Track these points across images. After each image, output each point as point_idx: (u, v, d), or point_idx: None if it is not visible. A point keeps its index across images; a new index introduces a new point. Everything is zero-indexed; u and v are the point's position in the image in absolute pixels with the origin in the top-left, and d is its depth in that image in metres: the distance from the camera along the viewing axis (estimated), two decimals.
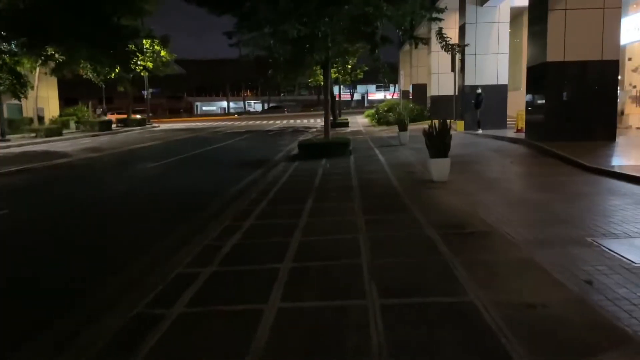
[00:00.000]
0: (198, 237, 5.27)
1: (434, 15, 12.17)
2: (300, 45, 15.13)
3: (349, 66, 30.81)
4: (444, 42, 12.42)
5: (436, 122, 8.32)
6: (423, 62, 31.65)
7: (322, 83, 33.43)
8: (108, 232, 6.39)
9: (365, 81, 59.53)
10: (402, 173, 9.25)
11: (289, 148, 16.95)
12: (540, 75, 11.56)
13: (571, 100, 11.17)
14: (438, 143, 8.04)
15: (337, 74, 31.73)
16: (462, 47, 12.54)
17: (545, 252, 4.11)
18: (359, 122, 32.78)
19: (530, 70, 12.25)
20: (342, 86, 37.01)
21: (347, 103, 70.30)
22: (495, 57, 17.92)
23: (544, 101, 11.46)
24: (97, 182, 10.93)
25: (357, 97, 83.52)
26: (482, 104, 16.95)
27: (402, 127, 14.36)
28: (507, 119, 18.06)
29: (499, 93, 17.93)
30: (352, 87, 71.69)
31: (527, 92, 12.49)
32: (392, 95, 71.57)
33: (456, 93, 19.67)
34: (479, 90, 17.03)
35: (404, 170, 9.64)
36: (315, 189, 7.96)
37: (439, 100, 25.28)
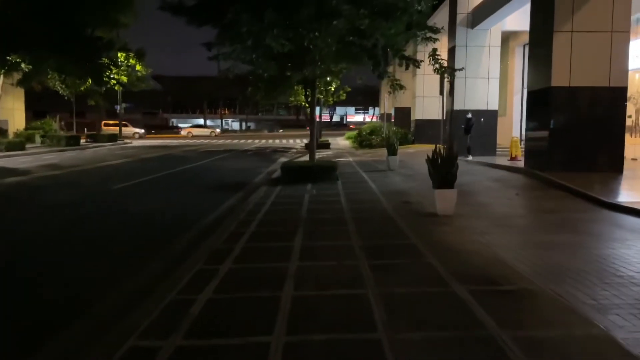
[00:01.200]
0: (160, 288, 4.14)
1: (429, 35, 11.42)
2: (285, 61, 14.24)
3: (332, 87, 30.05)
4: (437, 65, 11.65)
5: (440, 147, 7.42)
6: (407, 85, 31.14)
7: (302, 103, 32.65)
8: (27, 287, 5.18)
9: (345, 103, 59.20)
10: (398, 203, 8.27)
11: (270, 170, 15.89)
12: (543, 101, 10.87)
13: (577, 128, 10.48)
14: (444, 172, 7.13)
15: (319, 95, 30.94)
16: (456, 70, 11.80)
17: (621, 324, 3.14)
18: (340, 143, 31.97)
19: (531, 94, 11.56)
20: (322, 107, 36.29)
21: (326, 124, 69.76)
22: (486, 81, 17.36)
23: (546, 128, 10.74)
24: (43, 208, 9.47)
25: (336, 118, 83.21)
26: (473, 130, 16.28)
27: (392, 151, 13.49)
28: (497, 146, 17.43)
29: (489, 119, 17.33)
30: (332, 108, 71.37)
31: (528, 118, 11.78)
32: (372, 118, 71.55)
33: (444, 117, 18.99)
34: (469, 115, 16.37)
35: (399, 199, 8.68)
36: (304, 222, 6.90)
37: (423, 124, 24.68)
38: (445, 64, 11.82)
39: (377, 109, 75.31)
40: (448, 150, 7.14)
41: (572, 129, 10.50)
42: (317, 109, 32.56)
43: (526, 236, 5.99)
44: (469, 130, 16.21)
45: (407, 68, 11.74)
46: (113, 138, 34.44)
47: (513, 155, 14.45)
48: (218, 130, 63.82)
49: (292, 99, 32.41)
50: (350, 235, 5.96)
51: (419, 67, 11.57)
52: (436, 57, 11.58)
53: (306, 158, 19.87)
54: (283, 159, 20.54)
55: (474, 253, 5.06)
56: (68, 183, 12.95)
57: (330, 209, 7.88)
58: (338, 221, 6.90)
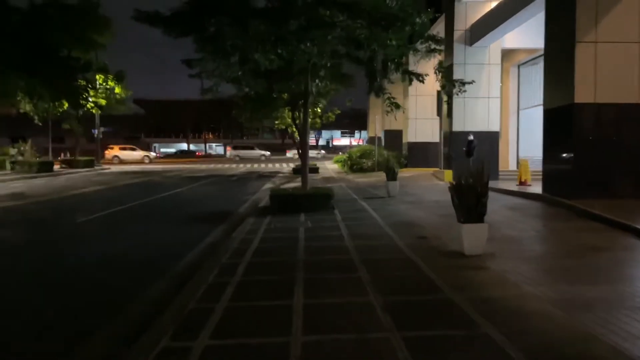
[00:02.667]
0: None
1: (433, 47, 10.33)
2: (274, 77, 13.02)
3: (319, 109, 28.95)
4: (444, 79, 10.55)
5: (447, 173, 6.16)
6: None
7: (289, 127, 31.47)
8: None
9: (330, 127, 58.33)
10: (412, 239, 6.95)
11: (256, 197, 14.50)
12: (564, 119, 9.76)
13: (603, 150, 9.35)
14: (472, 203, 5.85)
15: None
16: (465, 84, 10.70)
17: None
18: (328, 168, 30.71)
19: (550, 113, 10.45)
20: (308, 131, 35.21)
21: (312, 148, 68.69)
22: (486, 101, 16.37)
23: (568, 150, 9.59)
24: None
25: (321, 142, 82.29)
26: (475, 152, 15.17)
27: (391, 176, 12.23)
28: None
29: (490, 140, 16.27)
30: (318, 132, 70.48)
31: (546, 139, 10.65)
32: (358, 142, 70.83)
33: (442, 139, 17.91)
34: (471, 137, 15.30)
35: (412, 234, 7.36)
36: (303, 266, 5.53)
37: (416, 147, 23.63)
38: (452, 78, 10.69)
39: (363, 132, 74.73)
40: (478, 175, 5.88)
41: (598, 151, 9.38)
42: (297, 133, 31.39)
43: (594, 288, 4.68)
44: (471, 153, 15.11)
45: (410, 83, 10.60)
46: (90, 164, 32.72)
47: (522, 180, 13.32)
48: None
49: (278, 122, 31.30)
50: (365, 287, 4.61)
51: (423, 82, 10.48)
52: (442, 69, 10.48)
53: (294, 184, 18.57)
54: (270, 185, 19.19)
55: (543, 318, 3.75)
56: (25, 216, 11.39)
57: (332, 248, 6.53)
58: (345, 265, 5.55)
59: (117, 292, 5.25)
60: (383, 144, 34.18)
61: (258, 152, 52.38)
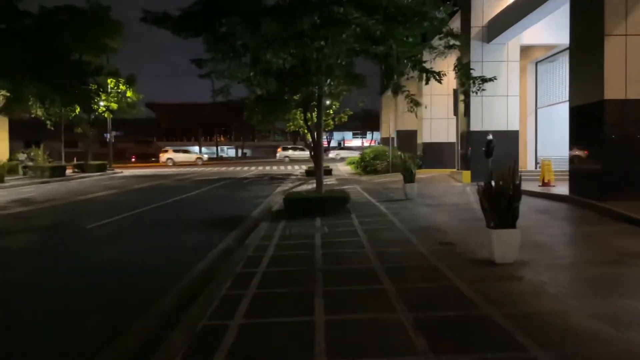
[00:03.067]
0: None
1: (451, 42, 9.91)
2: (287, 77, 12.70)
3: (331, 111, 28.58)
4: (465, 76, 10.12)
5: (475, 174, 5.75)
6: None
7: (301, 128, 31.13)
8: None
9: (342, 128, 57.94)
10: (436, 245, 6.55)
11: (269, 201, 14.17)
12: (593, 117, 9.27)
13: (638, 148, 8.84)
14: (504, 207, 5.43)
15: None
16: (487, 80, 10.24)
17: None
18: (341, 169, 30.32)
19: (577, 110, 9.97)
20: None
21: (331, 149, 68.22)
22: (505, 99, 15.87)
23: (599, 149, 9.11)
24: None
25: (333, 144, 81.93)
26: (494, 152, 14.68)
27: (409, 178, 11.81)
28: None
29: (509, 140, 15.76)
30: (330, 134, 70.11)
31: (573, 137, 10.16)
32: (370, 143, 70.34)
33: (459, 140, 17.43)
34: (490, 137, 14.81)
35: (435, 239, 6.95)
36: (322, 276, 5.16)
37: (431, 147, 23.14)
38: (476, 75, 10.23)
39: (375, 133, 74.19)
40: (509, 176, 5.46)
41: (631, 149, 8.88)
42: (309, 135, 30.98)
43: None
44: (491, 153, 14.62)
45: (427, 82, 10.18)
46: (102, 168, 32.70)
47: (546, 181, 12.81)
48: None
49: (290, 124, 30.98)
50: (392, 301, 4.23)
51: (440, 82, 10.06)
52: (462, 65, 10.06)
53: (307, 186, 18.22)
54: (283, 188, 18.86)
55: (596, 338, 3.33)
56: (34, 222, 11.16)
57: (352, 255, 6.15)
58: (367, 274, 5.16)
59: (122, 305, 4.93)
60: (395, 144, 33.72)
61: (307, 152, 52.60)
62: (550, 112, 21.11)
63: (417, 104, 10.46)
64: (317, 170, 10.78)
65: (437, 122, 22.87)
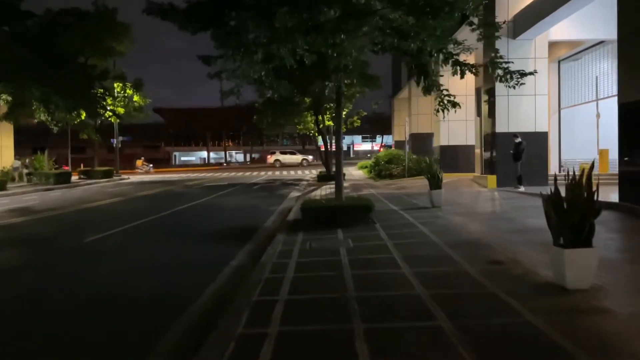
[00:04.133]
0: None
1: (491, 32, 9.00)
2: (300, 77, 11.81)
3: (343, 113, 27.67)
4: (501, 69, 9.17)
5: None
6: (425, 109, 28.88)
7: (312, 132, 30.27)
8: None
9: (351, 132, 57.08)
10: (485, 264, 5.59)
11: (283, 208, 13.29)
12: None
13: None
14: (577, 221, 4.47)
15: (328, 122, 28.62)
16: (526, 74, 9.28)
17: None
18: (353, 174, 29.38)
19: (628, 107, 8.96)
20: (330, 135, 33.70)
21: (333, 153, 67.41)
22: (532, 99, 14.87)
23: None
24: None
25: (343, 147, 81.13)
26: (524, 155, 13.68)
27: (436, 184, 10.85)
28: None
29: (538, 142, 14.76)
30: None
31: (623, 138, 9.15)
32: (380, 147, 69.36)
33: (482, 142, 16.45)
34: (519, 139, 13.81)
35: (481, 256, 5.98)
36: (359, 309, 4.22)
37: (449, 150, 22.14)
38: (512, 69, 9.25)
39: (385, 137, 73.24)
40: (585, 182, 4.50)
41: None
42: (320, 138, 29.91)
43: None
44: (519, 156, 13.63)
45: (462, 76, 9.24)
46: (109, 174, 32.01)
47: None
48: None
49: (300, 127, 30.14)
50: (455, 346, 3.29)
51: (477, 74, 9.14)
52: (498, 59, 9.11)
53: (320, 192, 17.31)
54: (295, 194, 17.97)
55: None
56: (28, 235, 10.32)
57: (388, 278, 5.21)
58: (413, 305, 4.23)
59: (111, 348, 4.03)
60: (409, 148, 32.74)
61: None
62: (574, 113, 20.08)
63: (455, 104, 9.52)
64: (338, 175, 9.86)
65: (455, 124, 21.89)
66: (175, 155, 79.50)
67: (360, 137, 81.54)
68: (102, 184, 27.35)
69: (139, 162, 49.50)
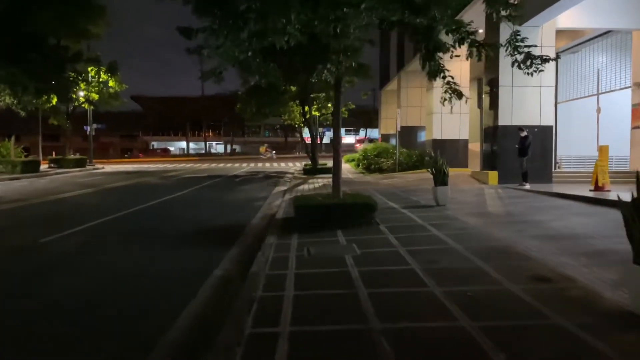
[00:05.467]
0: None
1: (509, 11, 7.95)
2: (293, 59, 10.64)
3: (330, 104, 26.52)
4: (522, 53, 8.13)
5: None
6: (414, 101, 27.90)
7: (297, 122, 29.05)
8: None
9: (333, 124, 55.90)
10: (529, 282, 4.54)
11: (269, 204, 12.12)
12: None
13: None
14: None
15: (315, 112, 27.45)
16: (552, 59, 8.28)
17: None
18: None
19: None
20: (316, 127, 32.46)
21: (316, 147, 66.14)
22: (538, 90, 13.94)
23: None
24: None
25: (326, 140, 79.90)
26: (530, 150, 12.74)
27: (441, 180, 9.80)
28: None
29: (543, 136, 13.86)
30: (323, 130, 68.04)
31: None
32: (364, 139, 68.45)
33: (482, 135, 15.49)
34: (525, 132, 12.86)
35: (520, 270, 4.92)
36: (389, 348, 3.11)
37: (442, 144, 21.15)
38: (532, 51, 8.20)
39: (369, 130, 72.36)
40: None
41: None
42: (306, 130, 28.67)
43: None
44: (526, 152, 12.67)
45: (479, 58, 8.17)
46: (81, 163, 30.28)
47: (600, 185, 10.88)
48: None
49: (286, 117, 28.87)
50: None
51: (493, 55, 8.10)
52: (520, 42, 8.06)
53: (309, 186, 16.18)
54: (281, 187, 16.80)
55: None
56: None
57: (416, 301, 4.11)
58: (462, 347, 3.14)
59: None
60: (395, 141, 31.71)
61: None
62: (570, 108, 19.33)
63: (460, 95, 8.46)
64: (335, 170, 8.72)
65: (449, 117, 20.90)
66: (153, 145, 77.26)
67: (343, 130, 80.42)
68: (73, 174, 25.69)
69: (262, 149, 50.92)
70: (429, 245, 6.20)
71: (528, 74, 8.51)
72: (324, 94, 23.76)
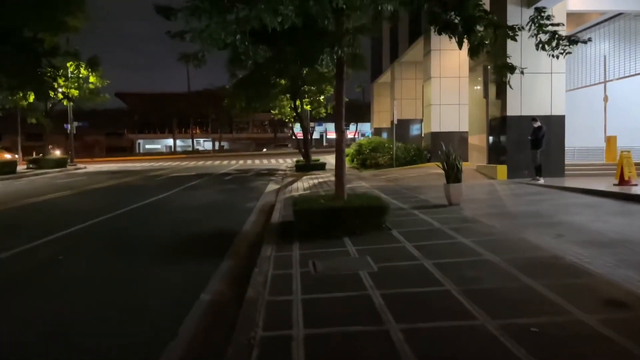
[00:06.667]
0: None
1: None
2: (293, 42, 9.56)
3: (322, 98, 25.42)
4: (546, 33, 7.17)
5: None
6: (409, 93, 26.94)
7: (288, 117, 27.94)
8: None
9: (322, 119, 54.95)
10: (602, 308, 3.57)
11: (262, 205, 11.08)
12: None
13: None
14: None
15: (306, 106, 26.33)
16: (580, 42, 7.35)
17: None
18: (333, 163, 27.19)
19: None
20: (308, 121, 31.27)
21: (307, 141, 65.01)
22: (549, 77, 13.02)
23: None
24: None
25: (315, 135, 78.74)
26: (544, 142, 11.81)
27: (455, 177, 8.80)
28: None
29: (555, 127, 12.95)
30: (319, 124, 67.03)
31: None
32: (354, 135, 67.50)
33: (488, 127, 14.54)
34: (538, 123, 11.93)
35: (582, 289, 3.95)
36: None
37: (441, 137, 20.20)
38: (558, 30, 7.25)
39: (360, 124, 71.42)
40: None
41: None
42: (298, 125, 27.54)
43: None
44: (539, 143, 11.74)
45: (496, 40, 7.17)
46: (62, 163, 28.90)
47: (626, 178, 9.97)
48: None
49: (276, 112, 27.73)
50: None
51: (515, 39, 7.13)
52: (544, 20, 7.10)
53: (303, 184, 15.14)
54: (273, 186, 15.74)
55: None
56: None
57: (466, 342, 3.11)
58: None
59: None
60: (386, 135, 30.73)
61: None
62: (575, 97, 18.50)
63: (512, 69, 7.52)
64: (338, 168, 7.67)
65: (447, 108, 19.97)
66: (139, 143, 75.59)
67: (333, 124, 79.40)
68: (52, 175, 24.35)
69: None
70: (458, 257, 5.19)
71: (554, 56, 7.57)
72: (315, 87, 22.64)
